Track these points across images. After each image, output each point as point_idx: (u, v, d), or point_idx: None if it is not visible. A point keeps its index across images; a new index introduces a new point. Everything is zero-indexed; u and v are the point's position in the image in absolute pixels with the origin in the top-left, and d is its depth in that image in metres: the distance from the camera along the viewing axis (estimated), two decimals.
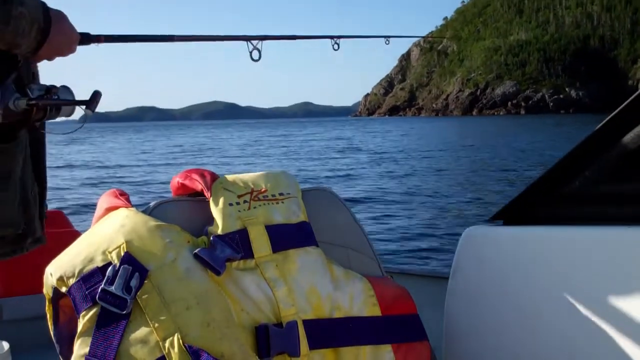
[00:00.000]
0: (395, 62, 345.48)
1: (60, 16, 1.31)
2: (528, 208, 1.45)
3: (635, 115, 1.25)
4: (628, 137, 1.26)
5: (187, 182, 1.39)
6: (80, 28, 1.39)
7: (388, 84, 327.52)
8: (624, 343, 1.19)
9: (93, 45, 1.50)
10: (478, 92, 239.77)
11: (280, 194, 1.38)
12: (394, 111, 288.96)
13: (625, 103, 1.25)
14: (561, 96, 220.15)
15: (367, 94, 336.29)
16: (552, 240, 1.35)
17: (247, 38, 1.95)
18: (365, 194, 18.35)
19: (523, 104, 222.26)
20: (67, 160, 33.88)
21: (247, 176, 1.41)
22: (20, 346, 1.71)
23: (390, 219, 14.88)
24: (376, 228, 13.58)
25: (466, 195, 17.72)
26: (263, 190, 1.37)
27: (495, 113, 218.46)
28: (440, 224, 14.33)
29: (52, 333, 1.27)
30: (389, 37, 3.49)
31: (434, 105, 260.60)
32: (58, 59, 1.39)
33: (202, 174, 1.39)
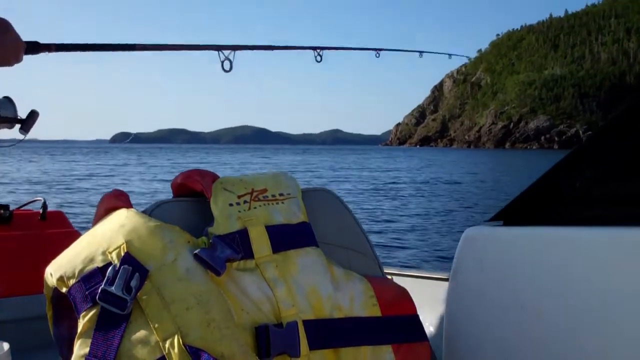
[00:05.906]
0: (427, 93, 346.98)
1: (2, 25, 1.28)
2: (528, 208, 1.44)
3: (638, 116, 1.25)
4: (629, 138, 1.26)
5: (187, 183, 1.39)
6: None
7: (420, 114, 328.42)
8: (626, 344, 1.18)
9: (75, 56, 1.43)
10: (511, 126, 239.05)
11: (281, 194, 1.38)
12: (425, 141, 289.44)
13: (629, 104, 1.26)
14: None
15: (399, 123, 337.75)
16: (553, 241, 1.34)
17: (218, 47, 1.86)
18: (366, 195, 18.63)
19: (556, 138, 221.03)
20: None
21: (248, 176, 1.42)
22: (20, 347, 1.69)
23: (391, 220, 15.08)
24: (376, 229, 13.81)
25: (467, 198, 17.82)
26: (263, 190, 1.37)
27: (528, 147, 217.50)
28: (440, 224, 14.56)
29: (52, 333, 1.27)
30: (379, 49, 3.31)
31: (466, 137, 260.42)
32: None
33: (202, 174, 1.39)
